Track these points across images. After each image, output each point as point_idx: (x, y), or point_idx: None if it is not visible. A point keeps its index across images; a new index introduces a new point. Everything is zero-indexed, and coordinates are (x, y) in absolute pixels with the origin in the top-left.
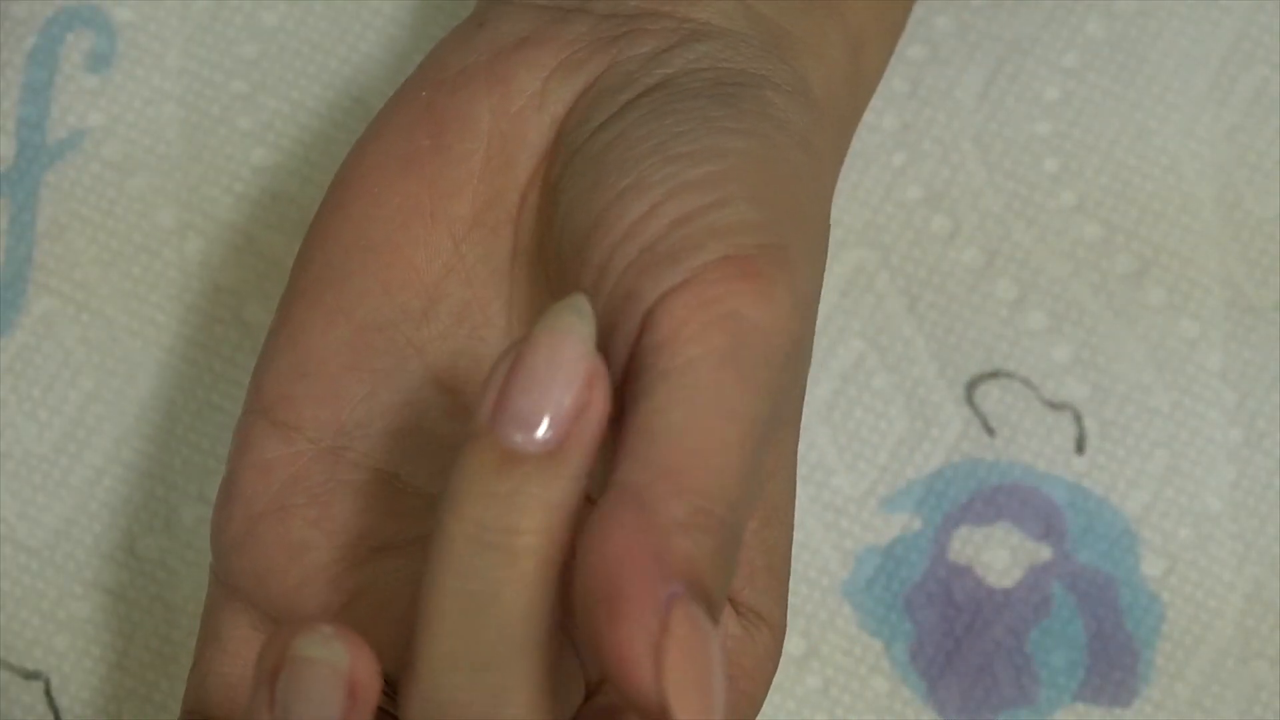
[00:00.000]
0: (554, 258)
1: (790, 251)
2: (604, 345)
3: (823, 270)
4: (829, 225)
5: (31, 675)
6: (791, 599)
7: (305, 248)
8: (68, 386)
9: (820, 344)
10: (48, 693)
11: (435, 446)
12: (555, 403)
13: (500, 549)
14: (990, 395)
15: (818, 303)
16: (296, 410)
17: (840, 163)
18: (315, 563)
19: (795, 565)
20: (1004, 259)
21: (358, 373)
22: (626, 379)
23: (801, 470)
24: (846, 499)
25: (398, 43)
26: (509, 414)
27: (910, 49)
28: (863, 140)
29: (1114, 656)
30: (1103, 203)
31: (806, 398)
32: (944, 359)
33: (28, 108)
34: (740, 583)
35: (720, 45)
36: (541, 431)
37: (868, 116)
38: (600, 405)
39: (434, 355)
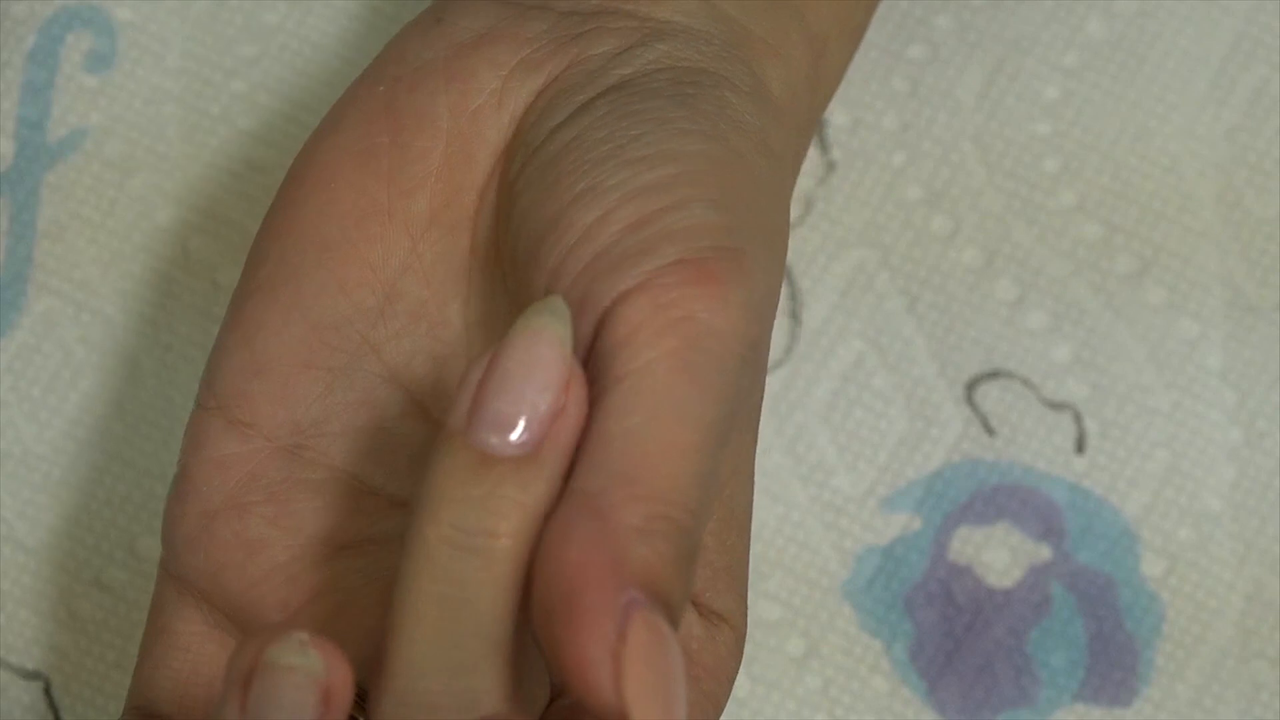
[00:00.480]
0: (509, 259)
1: (746, 254)
2: None
3: (781, 271)
4: (788, 226)
5: (31, 675)
6: (791, 599)
7: (259, 243)
8: (68, 386)
9: (820, 344)
10: (48, 693)
11: (393, 446)
12: (531, 405)
13: (477, 552)
14: (990, 395)
15: (776, 305)
16: (252, 408)
17: (799, 165)
18: (273, 561)
19: (795, 565)
20: (1004, 259)
21: (313, 371)
22: None
23: (801, 470)
24: (846, 499)
25: None
26: (484, 416)
27: (910, 49)
28: (863, 140)
29: (1114, 656)
30: (1103, 203)
31: (806, 398)
32: (944, 359)
33: (28, 108)
34: (702, 585)
35: (680, 44)
36: (516, 434)
37: (867, 116)
38: (577, 408)
39: (390, 354)
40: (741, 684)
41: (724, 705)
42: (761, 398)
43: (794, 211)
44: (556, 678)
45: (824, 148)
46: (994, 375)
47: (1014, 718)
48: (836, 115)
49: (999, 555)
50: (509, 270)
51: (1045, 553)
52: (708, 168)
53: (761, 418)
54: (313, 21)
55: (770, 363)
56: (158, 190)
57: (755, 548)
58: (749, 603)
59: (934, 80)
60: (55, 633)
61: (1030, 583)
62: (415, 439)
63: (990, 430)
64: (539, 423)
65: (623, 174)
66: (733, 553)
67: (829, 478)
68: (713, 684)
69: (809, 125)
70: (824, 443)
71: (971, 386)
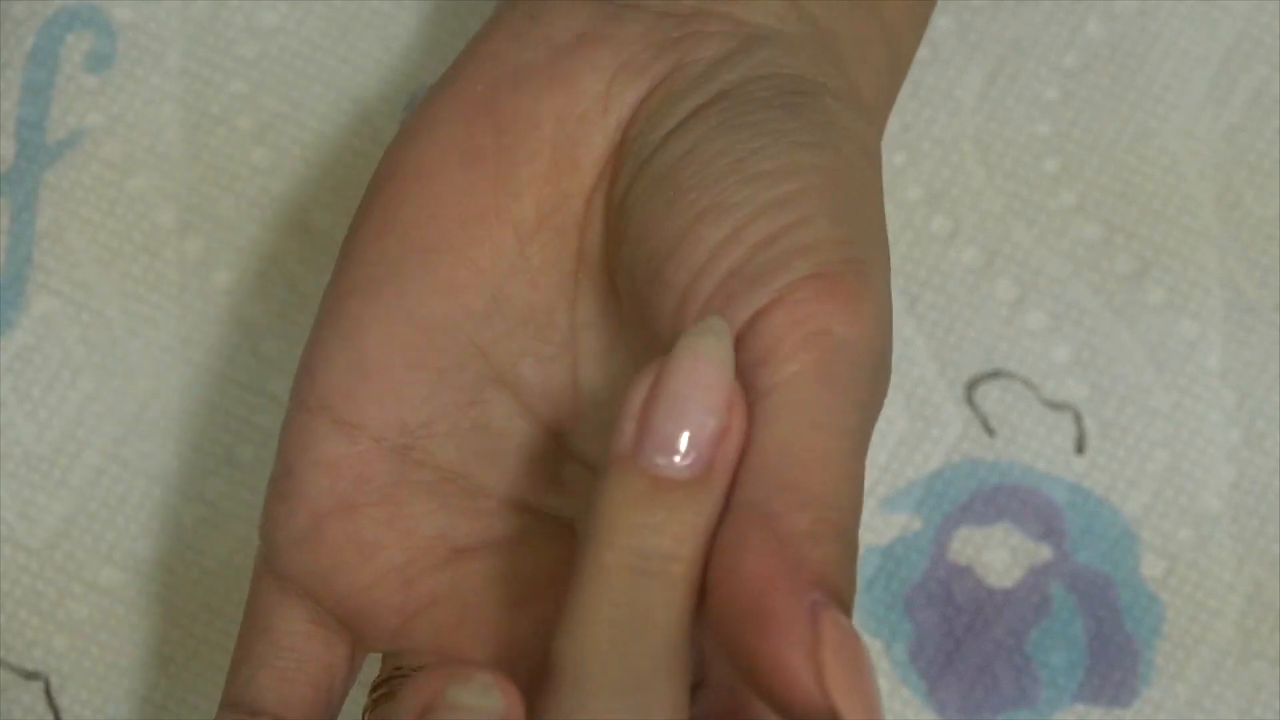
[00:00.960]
0: (626, 273)
1: (869, 265)
2: None
3: (890, 276)
4: (886, 227)
5: (31, 675)
6: None
7: (357, 242)
8: (68, 386)
9: None
10: (48, 693)
11: (503, 447)
12: (699, 426)
13: (658, 576)
14: (990, 395)
15: (891, 311)
16: (359, 408)
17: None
18: (388, 563)
19: None
20: (1004, 259)
21: (420, 371)
22: None
23: None
24: None
25: (397, 43)
26: (653, 439)
27: None
28: None
29: (1114, 656)
30: (1103, 203)
31: None
32: (944, 359)
33: (28, 108)
34: None
35: (779, 51)
36: (685, 456)
37: None
38: (740, 427)
39: (498, 356)
40: None
41: None
42: (884, 401)
43: None
44: (749, 685)
45: None
46: (994, 375)
47: (1014, 718)
48: None
49: (999, 555)
50: (625, 284)
51: (1045, 553)
52: (825, 182)
53: None
54: (313, 22)
55: None
56: (158, 190)
57: None
58: None
59: (934, 80)
60: (55, 633)
61: (1030, 583)
62: (525, 440)
63: (990, 430)
64: (708, 444)
65: (746, 190)
66: None
67: None
68: None
69: (885, 118)
70: None
71: (971, 386)
